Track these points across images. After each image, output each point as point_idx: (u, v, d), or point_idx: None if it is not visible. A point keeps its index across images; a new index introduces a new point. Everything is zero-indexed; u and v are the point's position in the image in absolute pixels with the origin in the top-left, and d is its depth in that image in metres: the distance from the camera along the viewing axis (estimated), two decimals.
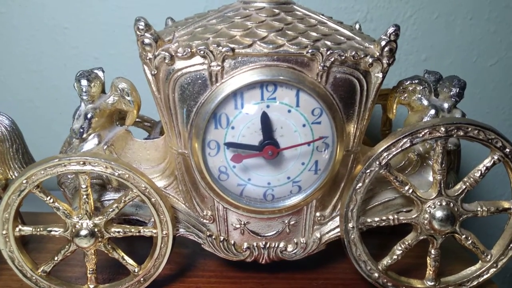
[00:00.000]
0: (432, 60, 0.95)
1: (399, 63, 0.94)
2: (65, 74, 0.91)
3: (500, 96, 0.99)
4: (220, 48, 0.51)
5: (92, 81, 0.59)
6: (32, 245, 0.71)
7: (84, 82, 0.58)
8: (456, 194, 0.59)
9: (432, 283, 0.62)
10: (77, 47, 0.90)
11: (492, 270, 0.62)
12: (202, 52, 0.52)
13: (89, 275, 0.60)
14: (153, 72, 0.54)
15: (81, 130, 0.59)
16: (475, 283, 0.62)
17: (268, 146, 0.55)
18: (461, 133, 0.56)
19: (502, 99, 0.99)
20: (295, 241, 0.62)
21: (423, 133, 0.56)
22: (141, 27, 0.52)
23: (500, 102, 1.00)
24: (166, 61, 0.53)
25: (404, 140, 0.56)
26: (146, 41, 0.52)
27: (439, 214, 0.58)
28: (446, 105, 0.62)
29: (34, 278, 0.59)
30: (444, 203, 0.58)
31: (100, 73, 0.61)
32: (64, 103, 0.93)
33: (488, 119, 1.00)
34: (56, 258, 0.59)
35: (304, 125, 0.55)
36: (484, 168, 0.59)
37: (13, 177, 0.64)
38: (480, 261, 0.63)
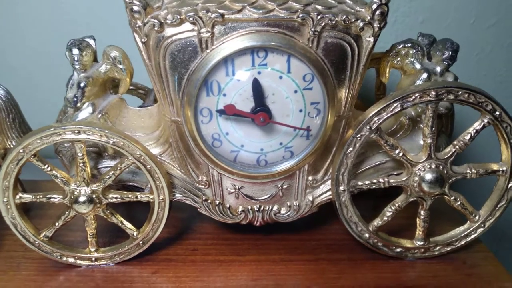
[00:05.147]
0: (429, 22, 0.93)
1: (396, 25, 0.93)
2: (58, 41, 0.90)
3: (497, 58, 0.98)
4: (210, 14, 0.51)
5: (83, 50, 0.59)
6: (34, 212, 0.73)
7: (75, 51, 0.58)
8: (446, 157, 0.60)
9: (421, 243, 0.64)
10: (69, 13, 0.89)
11: (480, 230, 0.64)
12: (191, 18, 0.51)
13: (89, 239, 0.62)
14: (143, 40, 0.54)
15: (75, 99, 0.59)
16: (463, 242, 0.64)
17: (260, 112, 0.55)
18: (452, 96, 0.57)
19: (500, 61, 0.98)
20: (288, 204, 0.64)
21: (413, 97, 0.56)
22: None
23: (497, 64, 0.99)
24: (156, 28, 0.52)
25: (395, 104, 0.57)
26: (135, 8, 0.52)
27: (428, 176, 0.59)
28: (438, 69, 0.62)
29: (37, 243, 0.61)
30: (433, 166, 0.59)
31: (91, 42, 0.61)
32: (57, 71, 0.92)
33: (485, 82, 0.99)
34: (57, 224, 0.61)
35: (295, 91, 0.56)
36: (474, 131, 0.59)
37: (11, 146, 0.65)
38: (468, 222, 0.64)
